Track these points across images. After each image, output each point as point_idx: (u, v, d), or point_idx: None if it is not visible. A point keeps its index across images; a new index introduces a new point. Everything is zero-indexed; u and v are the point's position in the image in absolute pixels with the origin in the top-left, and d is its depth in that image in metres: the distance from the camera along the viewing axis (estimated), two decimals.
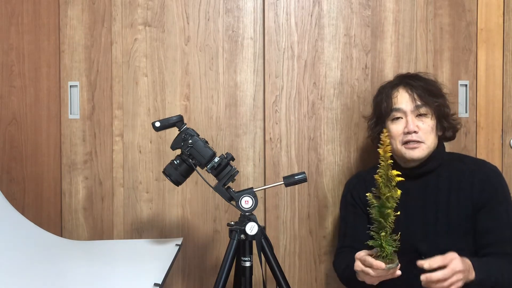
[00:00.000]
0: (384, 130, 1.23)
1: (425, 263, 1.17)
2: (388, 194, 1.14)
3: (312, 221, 1.77)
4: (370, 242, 1.18)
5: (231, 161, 1.38)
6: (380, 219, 1.15)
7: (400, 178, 1.16)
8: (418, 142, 1.40)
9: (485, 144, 1.80)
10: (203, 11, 1.76)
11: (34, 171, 1.76)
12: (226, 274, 1.34)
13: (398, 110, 1.43)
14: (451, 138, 1.51)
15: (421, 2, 1.77)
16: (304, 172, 1.41)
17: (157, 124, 1.37)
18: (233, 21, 1.76)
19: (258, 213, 1.72)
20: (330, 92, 1.76)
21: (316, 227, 1.77)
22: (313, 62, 1.76)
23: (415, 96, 1.42)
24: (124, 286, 1.21)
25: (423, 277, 1.17)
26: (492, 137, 1.80)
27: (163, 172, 1.39)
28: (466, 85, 1.79)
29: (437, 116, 1.44)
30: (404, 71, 1.77)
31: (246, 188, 1.40)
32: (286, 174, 1.47)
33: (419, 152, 1.41)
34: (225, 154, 1.38)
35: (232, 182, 1.39)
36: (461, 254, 1.32)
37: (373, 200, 1.17)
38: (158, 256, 1.42)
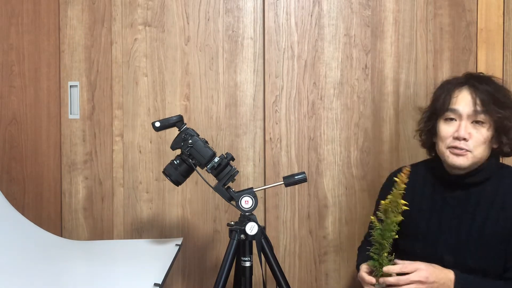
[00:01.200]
0: (406, 169, 1.20)
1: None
2: (394, 219, 1.19)
3: (312, 221, 1.77)
4: (370, 263, 1.25)
5: (231, 161, 1.38)
6: (383, 241, 1.20)
7: (406, 208, 1.20)
8: (465, 150, 1.28)
9: None
10: (203, 11, 1.76)
11: (34, 171, 1.76)
12: (226, 274, 1.34)
13: (454, 111, 1.31)
14: (509, 154, 1.35)
15: (421, 2, 1.77)
16: (304, 172, 1.41)
17: (157, 124, 1.37)
18: (233, 21, 1.76)
19: (258, 213, 1.72)
20: (330, 92, 1.76)
21: (316, 227, 1.77)
22: (313, 62, 1.76)
23: (478, 101, 1.28)
24: (124, 286, 1.21)
25: (381, 279, 1.20)
26: None
27: (163, 172, 1.39)
28: None
29: (495, 127, 1.29)
30: (404, 71, 1.77)
31: (246, 188, 1.40)
32: (286, 174, 1.47)
33: (462, 160, 1.29)
34: (225, 154, 1.38)
35: (232, 182, 1.39)
36: (487, 275, 1.27)
37: (377, 223, 1.22)
38: (158, 256, 1.41)
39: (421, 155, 1.76)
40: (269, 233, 1.74)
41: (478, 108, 1.28)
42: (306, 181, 1.41)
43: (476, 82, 1.32)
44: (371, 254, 1.24)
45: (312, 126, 1.76)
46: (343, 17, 1.76)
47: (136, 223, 1.77)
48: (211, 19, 1.76)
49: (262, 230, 1.35)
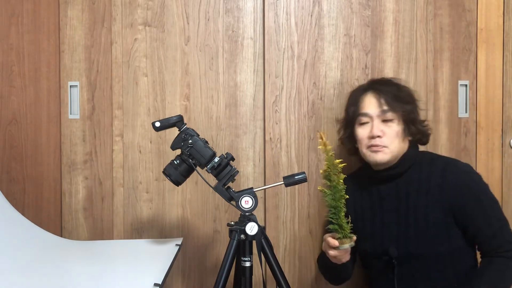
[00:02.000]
0: (320, 133, 1.35)
1: None
2: (339, 179, 1.31)
3: (312, 221, 1.77)
4: (330, 226, 1.34)
5: (231, 161, 1.38)
6: (337, 203, 1.31)
7: (343, 164, 1.33)
8: (382, 146, 1.42)
9: (485, 144, 1.80)
10: (203, 11, 1.76)
11: (34, 171, 1.76)
12: (226, 274, 1.34)
13: (364, 114, 1.46)
14: (424, 142, 1.54)
15: (421, 2, 1.77)
16: (304, 172, 1.41)
17: (157, 124, 1.37)
18: (233, 21, 1.76)
19: (258, 213, 1.72)
20: (330, 92, 1.76)
21: (316, 227, 1.77)
22: (313, 62, 1.76)
23: (382, 101, 1.44)
24: (124, 286, 1.21)
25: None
26: (492, 137, 1.80)
27: (163, 172, 1.39)
28: (466, 85, 1.79)
29: (404, 121, 1.44)
30: (404, 71, 1.77)
31: (246, 188, 1.40)
32: (286, 174, 1.47)
33: (381, 156, 1.43)
34: (225, 154, 1.38)
35: (232, 182, 1.39)
36: (435, 257, 1.38)
37: (326, 190, 1.33)
38: (158, 256, 1.41)
39: None
40: (269, 233, 1.74)
41: (384, 107, 1.43)
42: (306, 181, 1.41)
43: (378, 85, 1.49)
44: (329, 219, 1.33)
45: (312, 126, 1.76)
46: (343, 17, 1.76)
47: (136, 223, 1.77)
48: (211, 19, 1.76)
49: (262, 230, 1.35)
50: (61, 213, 1.77)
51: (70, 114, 1.76)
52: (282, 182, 1.40)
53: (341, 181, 1.31)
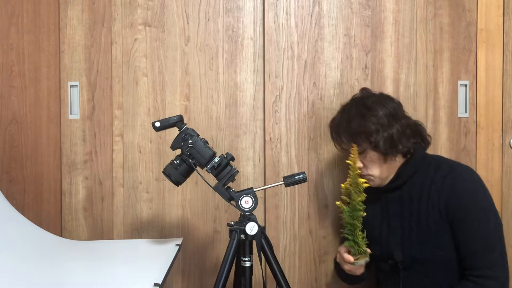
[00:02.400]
0: (353, 146, 1.38)
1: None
2: (359, 199, 1.34)
3: (312, 221, 1.77)
4: (346, 243, 1.39)
5: (231, 161, 1.38)
6: (354, 221, 1.34)
7: (366, 184, 1.36)
8: (367, 175, 1.44)
9: (485, 144, 1.80)
10: (203, 11, 1.76)
11: (34, 171, 1.76)
12: (226, 274, 1.34)
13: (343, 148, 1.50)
14: (425, 146, 1.49)
15: (421, 2, 1.77)
16: (304, 172, 1.41)
17: (157, 124, 1.37)
18: (233, 21, 1.76)
19: (258, 213, 1.72)
20: (330, 92, 1.76)
21: (316, 227, 1.77)
22: (313, 62, 1.76)
23: (343, 141, 1.46)
24: (124, 286, 1.21)
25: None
26: (492, 137, 1.80)
27: (163, 172, 1.39)
28: (466, 85, 1.79)
29: (377, 148, 1.39)
30: (404, 71, 1.77)
31: (246, 188, 1.40)
32: (286, 174, 1.47)
33: (372, 183, 1.45)
34: (225, 154, 1.38)
35: (232, 182, 1.39)
36: (439, 262, 1.38)
37: (344, 207, 1.37)
38: (158, 256, 1.41)
39: None
40: (269, 233, 1.74)
41: (344, 146, 1.46)
42: (306, 181, 1.41)
43: (336, 129, 1.49)
44: (345, 235, 1.37)
45: (312, 126, 1.76)
46: (343, 17, 1.76)
47: (136, 223, 1.77)
48: (211, 19, 1.76)
49: (262, 230, 1.35)
50: (61, 213, 1.77)
51: (70, 114, 1.76)
52: (282, 182, 1.40)
53: (361, 200, 1.34)
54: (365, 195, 1.35)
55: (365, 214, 1.35)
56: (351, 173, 1.35)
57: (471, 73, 1.80)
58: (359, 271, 1.45)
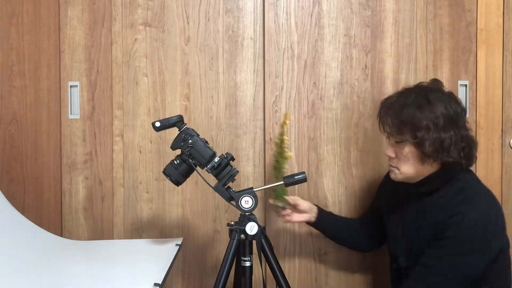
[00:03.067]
0: (287, 112, 1.58)
1: None
2: (284, 160, 1.52)
3: None
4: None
5: (231, 161, 1.38)
6: (277, 171, 1.52)
7: (286, 139, 1.53)
8: (393, 166, 1.38)
9: (485, 144, 1.80)
10: (203, 11, 1.76)
11: (34, 171, 1.76)
12: (226, 274, 1.35)
13: (383, 133, 1.41)
14: (463, 167, 1.33)
15: (421, 2, 1.77)
16: (304, 172, 1.41)
17: (157, 124, 1.37)
18: (233, 21, 1.76)
19: (258, 213, 1.72)
20: (330, 92, 1.76)
21: None
22: (313, 62, 1.76)
23: (388, 123, 1.36)
24: (124, 286, 1.21)
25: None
26: (492, 137, 1.80)
27: (163, 172, 1.39)
28: (466, 85, 1.79)
29: (418, 146, 1.30)
30: (404, 71, 1.77)
31: (246, 188, 1.40)
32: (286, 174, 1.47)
33: (394, 175, 1.39)
34: (225, 154, 1.38)
35: (232, 182, 1.39)
36: None
37: (276, 157, 1.53)
38: (158, 256, 1.42)
39: None
40: (269, 233, 1.74)
41: (388, 130, 1.36)
42: (306, 181, 1.41)
43: (390, 105, 1.37)
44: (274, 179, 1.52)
45: (312, 126, 1.77)
46: (343, 17, 1.76)
47: (136, 223, 1.77)
48: (211, 19, 1.76)
49: (262, 230, 1.35)
50: (61, 213, 1.77)
51: (70, 114, 1.76)
52: (282, 182, 1.40)
53: (286, 160, 1.52)
54: (290, 155, 1.54)
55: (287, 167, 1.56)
56: (279, 135, 1.53)
57: (471, 73, 1.80)
58: (295, 219, 1.58)
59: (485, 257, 1.25)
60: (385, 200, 1.55)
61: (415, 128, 1.29)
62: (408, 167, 1.34)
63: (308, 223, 1.62)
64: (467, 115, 1.78)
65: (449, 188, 1.33)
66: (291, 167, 1.76)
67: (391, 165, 1.39)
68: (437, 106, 1.29)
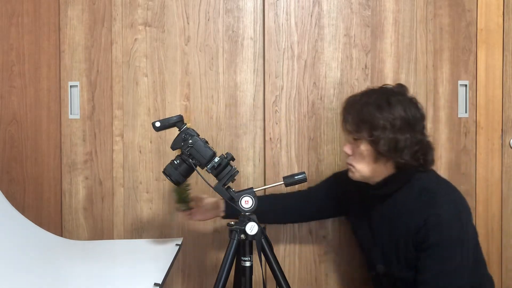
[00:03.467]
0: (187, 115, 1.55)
1: None
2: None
3: (312, 221, 1.77)
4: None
5: (231, 161, 1.38)
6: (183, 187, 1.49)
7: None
8: (349, 164, 1.40)
9: (485, 144, 1.80)
10: (203, 11, 1.76)
11: (34, 171, 1.76)
12: (226, 274, 1.34)
13: (342, 127, 1.44)
14: (421, 168, 1.36)
15: (421, 2, 1.77)
16: (304, 172, 1.41)
17: (157, 124, 1.37)
18: (233, 21, 1.76)
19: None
20: (330, 92, 1.76)
21: (316, 227, 1.77)
22: (313, 62, 1.76)
23: (348, 120, 1.38)
24: (124, 286, 1.21)
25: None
26: (492, 137, 1.80)
27: (163, 172, 1.39)
28: (466, 85, 1.79)
29: (374, 145, 1.32)
30: (404, 71, 1.77)
31: (246, 188, 1.40)
32: (286, 174, 1.47)
33: (351, 174, 1.40)
34: (225, 154, 1.38)
35: (232, 182, 1.39)
36: (412, 284, 1.35)
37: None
38: (158, 256, 1.42)
39: None
40: (269, 233, 1.74)
41: (348, 127, 1.37)
42: (306, 181, 1.41)
43: (351, 103, 1.40)
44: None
45: (312, 126, 1.76)
46: (343, 17, 1.76)
47: (136, 223, 1.77)
48: (211, 19, 1.76)
49: (262, 230, 1.35)
50: (61, 213, 1.77)
51: (70, 114, 1.76)
52: (282, 182, 1.40)
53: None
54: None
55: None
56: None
57: (471, 73, 1.80)
58: (200, 218, 1.58)
59: (470, 247, 1.32)
60: (351, 203, 1.53)
61: (372, 127, 1.31)
62: (362, 165, 1.37)
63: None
64: (467, 115, 1.79)
65: (409, 188, 1.36)
66: (291, 167, 1.76)
67: (347, 163, 1.41)
68: (397, 109, 1.32)
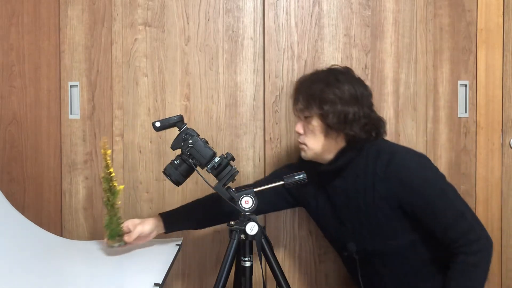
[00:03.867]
0: (104, 139, 1.45)
1: None
2: (109, 188, 1.40)
3: (312, 221, 1.77)
4: (105, 226, 1.40)
5: (231, 161, 1.38)
6: (111, 208, 1.40)
7: (121, 186, 1.44)
8: (302, 143, 1.43)
9: (485, 144, 1.80)
10: (203, 11, 1.76)
11: (34, 171, 1.76)
12: (226, 274, 1.34)
13: (294, 110, 1.48)
14: (372, 136, 1.41)
15: (421, 2, 1.77)
16: (304, 172, 1.41)
17: (157, 124, 1.37)
18: (233, 21, 1.76)
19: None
20: None
21: (316, 227, 1.77)
22: (313, 62, 1.76)
23: (300, 99, 1.42)
24: (124, 286, 1.21)
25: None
26: (492, 137, 1.80)
27: (163, 172, 1.39)
28: (466, 85, 1.79)
29: (325, 120, 1.37)
30: (404, 71, 1.77)
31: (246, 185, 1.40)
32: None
33: (303, 153, 1.44)
34: (225, 154, 1.38)
35: (232, 182, 1.39)
36: (392, 252, 1.37)
37: (105, 193, 1.41)
38: (158, 256, 1.41)
39: None
40: (269, 233, 1.74)
41: (300, 105, 1.41)
42: (306, 181, 1.41)
43: (299, 84, 1.47)
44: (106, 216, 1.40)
45: None
46: (343, 17, 1.76)
47: None
48: (211, 19, 1.76)
49: (262, 230, 1.35)
50: (61, 213, 1.77)
51: (70, 114, 1.76)
52: (283, 182, 1.40)
53: (115, 198, 1.40)
54: (121, 188, 1.42)
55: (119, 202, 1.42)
56: (104, 161, 1.40)
57: (471, 73, 1.80)
58: (145, 240, 1.48)
59: (442, 177, 1.37)
60: (309, 190, 1.51)
61: (322, 101, 1.37)
62: (314, 141, 1.41)
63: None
64: (467, 115, 1.79)
65: (364, 157, 1.39)
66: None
67: (299, 142, 1.44)
68: (344, 84, 1.39)
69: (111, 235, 1.39)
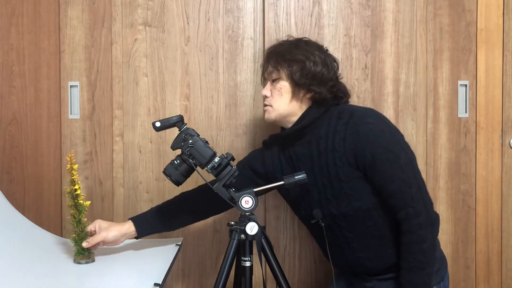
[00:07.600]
0: (71, 154, 1.35)
1: None
2: (75, 203, 1.34)
3: None
4: (71, 240, 1.35)
5: (231, 161, 1.38)
6: (77, 219, 1.35)
7: (88, 202, 1.37)
8: (267, 105, 1.45)
9: (485, 144, 1.80)
10: (203, 11, 1.76)
11: (34, 171, 1.76)
12: (226, 274, 1.34)
13: (264, 74, 1.52)
14: (336, 100, 1.45)
15: (421, 2, 1.77)
16: (304, 172, 1.41)
17: (158, 124, 1.37)
18: (233, 21, 1.76)
19: (258, 213, 1.72)
20: None
21: None
22: None
23: (270, 62, 1.45)
24: (124, 286, 1.21)
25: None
26: (492, 137, 1.80)
27: (163, 172, 1.38)
28: (466, 85, 1.79)
29: (292, 80, 1.41)
30: (404, 71, 1.77)
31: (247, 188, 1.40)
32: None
33: (267, 115, 1.46)
34: (225, 154, 1.38)
35: (232, 182, 1.39)
36: (358, 214, 1.36)
37: (71, 210, 1.35)
38: (158, 256, 1.42)
39: (421, 155, 1.77)
40: (269, 233, 1.74)
41: (270, 68, 1.45)
42: (307, 181, 1.41)
43: (271, 49, 1.49)
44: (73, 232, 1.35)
45: None
46: (343, 17, 1.76)
47: None
48: (211, 19, 1.76)
49: (262, 230, 1.35)
50: (61, 213, 1.77)
51: (70, 114, 1.76)
52: (283, 182, 1.40)
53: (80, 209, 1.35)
54: (87, 204, 1.36)
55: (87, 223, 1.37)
56: (69, 190, 1.33)
57: (471, 73, 1.80)
58: (116, 244, 1.45)
59: (402, 142, 1.37)
60: (276, 166, 1.52)
61: (291, 61, 1.41)
62: (280, 102, 1.43)
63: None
64: (467, 115, 1.79)
65: (329, 117, 1.41)
66: None
67: (265, 104, 1.46)
68: (313, 47, 1.45)
69: (80, 251, 1.34)
